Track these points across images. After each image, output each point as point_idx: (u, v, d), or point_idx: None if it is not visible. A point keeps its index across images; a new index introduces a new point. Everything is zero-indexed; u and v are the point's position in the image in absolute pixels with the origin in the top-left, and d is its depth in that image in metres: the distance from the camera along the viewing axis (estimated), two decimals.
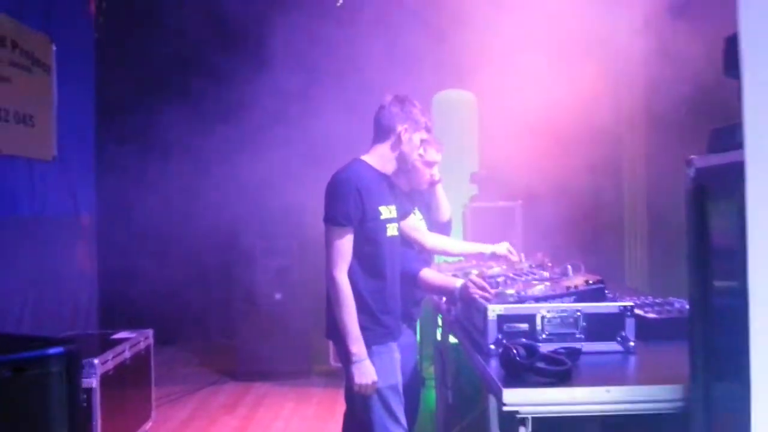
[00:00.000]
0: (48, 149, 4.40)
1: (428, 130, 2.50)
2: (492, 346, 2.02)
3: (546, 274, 2.55)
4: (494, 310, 2.03)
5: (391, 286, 2.44)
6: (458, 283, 2.45)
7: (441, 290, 2.63)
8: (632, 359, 2.01)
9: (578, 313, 2.03)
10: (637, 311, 2.13)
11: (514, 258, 2.72)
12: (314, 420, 4.57)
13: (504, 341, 2.02)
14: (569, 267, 2.41)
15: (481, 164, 5.51)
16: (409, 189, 2.89)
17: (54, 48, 4.46)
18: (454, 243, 2.98)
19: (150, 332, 4.20)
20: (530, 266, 2.84)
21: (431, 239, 2.84)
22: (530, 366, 1.73)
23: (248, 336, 5.48)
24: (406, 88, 2.69)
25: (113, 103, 5.81)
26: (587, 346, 2.03)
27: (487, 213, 4.75)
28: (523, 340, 1.88)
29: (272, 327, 5.42)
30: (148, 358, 4.16)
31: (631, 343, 2.04)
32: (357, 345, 2.30)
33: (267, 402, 4.98)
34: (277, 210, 5.47)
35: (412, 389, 2.75)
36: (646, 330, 2.17)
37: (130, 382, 3.84)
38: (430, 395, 4.42)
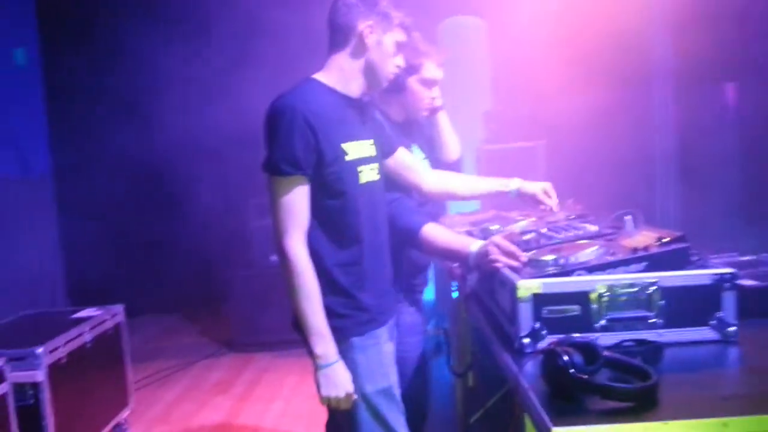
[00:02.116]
0: None
1: (406, 29, 1.76)
2: (526, 340, 1.38)
3: (593, 228, 1.87)
4: (528, 288, 1.38)
5: (373, 252, 1.76)
6: (474, 245, 1.77)
7: (450, 254, 1.91)
8: (735, 354, 1.36)
9: (654, 288, 1.37)
10: None
11: (552, 203, 1.98)
12: (317, 399, 4.03)
13: (544, 333, 1.38)
14: (628, 218, 1.73)
15: (495, 100, 4.88)
16: (403, 119, 2.18)
17: None
18: (462, 181, 2.15)
19: (120, 308, 3.61)
20: (568, 218, 2.16)
21: (430, 180, 2.05)
22: (592, 383, 1.09)
23: (245, 303, 5.00)
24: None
25: (59, 44, 5.09)
26: (667, 335, 1.38)
27: (503, 156, 4.18)
28: (576, 335, 1.23)
29: (270, 292, 4.90)
30: (118, 337, 3.58)
31: (732, 329, 1.39)
32: (322, 343, 1.66)
33: (267, 377, 4.49)
34: None
35: (416, 387, 2.11)
36: (742, 304, 1.51)
37: (95, 368, 3.27)
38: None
